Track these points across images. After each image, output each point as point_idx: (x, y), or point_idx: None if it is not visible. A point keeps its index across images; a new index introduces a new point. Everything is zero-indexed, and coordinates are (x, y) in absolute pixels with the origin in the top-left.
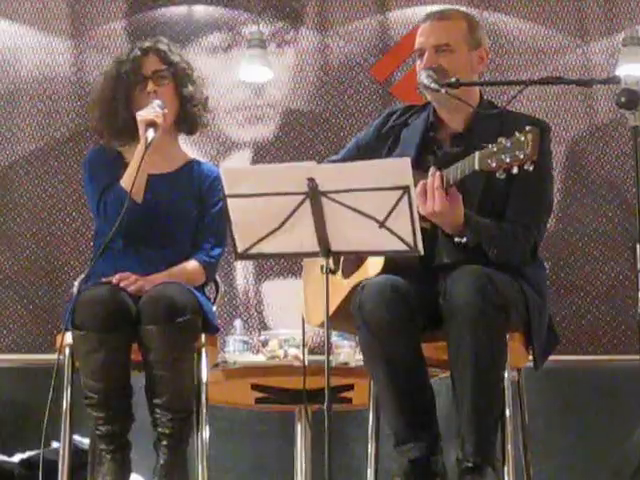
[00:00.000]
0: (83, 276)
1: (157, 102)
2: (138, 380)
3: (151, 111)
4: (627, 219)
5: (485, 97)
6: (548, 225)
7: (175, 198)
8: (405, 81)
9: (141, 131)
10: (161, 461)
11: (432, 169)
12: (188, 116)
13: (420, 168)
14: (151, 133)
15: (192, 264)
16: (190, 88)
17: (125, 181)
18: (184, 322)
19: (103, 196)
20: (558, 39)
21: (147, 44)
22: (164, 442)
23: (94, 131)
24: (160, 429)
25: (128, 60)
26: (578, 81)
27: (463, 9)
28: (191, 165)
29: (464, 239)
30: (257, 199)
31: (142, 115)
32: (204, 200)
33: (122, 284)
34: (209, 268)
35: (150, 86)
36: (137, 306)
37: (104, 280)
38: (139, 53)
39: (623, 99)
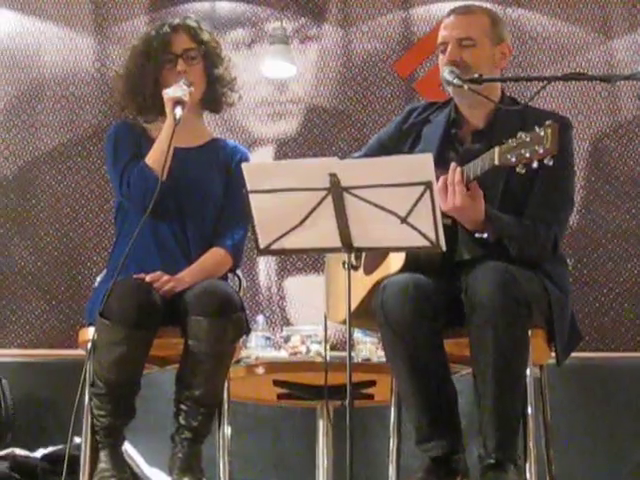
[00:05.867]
0: (105, 271)
1: (183, 80)
2: (157, 376)
3: (178, 89)
4: None
5: (507, 93)
6: (571, 222)
7: (200, 171)
8: (428, 77)
9: (168, 109)
10: (180, 454)
11: (452, 165)
12: (215, 96)
13: (442, 165)
14: (179, 111)
15: (217, 251)
16: (220, 69)
17: (150, 158)
18: (237, 317)
19: (126, 172)
20: (581, 36)
21: (177, 21)
22: (187, 435)
23: (117, 105)
24: (184, 421)
25: (157, 37)
26: (601, 77)
27: (486, 5)
28: (217, 142)
29: (484, 235)
30: (279, 195)
31: (169, 93)
32: (232, 178)
33: (154, 285)
34: (235, 252)
35: (180, 65)
36: (183, 298)
37: (136, 276)
38: (169, 30)
39: None
